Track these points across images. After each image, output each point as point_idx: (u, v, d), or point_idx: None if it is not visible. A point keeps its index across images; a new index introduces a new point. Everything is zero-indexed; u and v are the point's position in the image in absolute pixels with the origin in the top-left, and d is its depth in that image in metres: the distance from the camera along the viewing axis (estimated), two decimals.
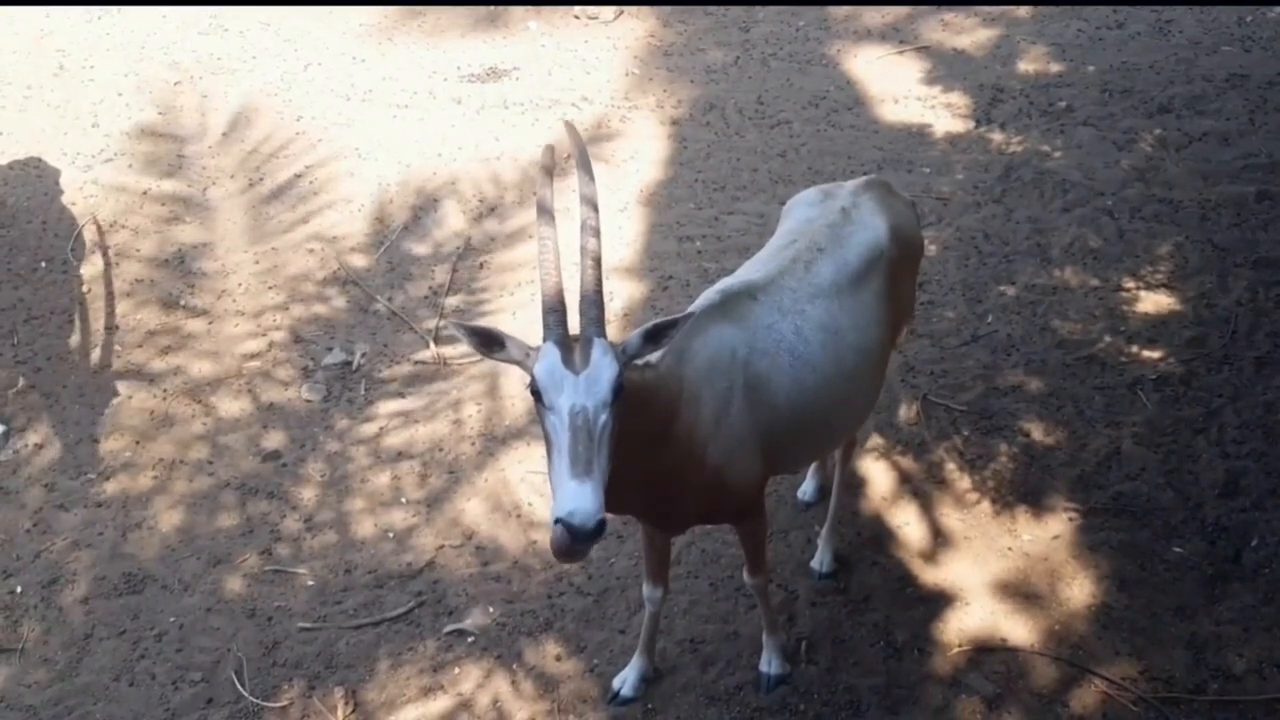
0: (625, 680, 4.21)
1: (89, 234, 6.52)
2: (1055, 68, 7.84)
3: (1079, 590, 4.51)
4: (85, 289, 6.18)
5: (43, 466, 5.28)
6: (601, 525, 2.79)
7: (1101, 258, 6.11)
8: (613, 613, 4.54)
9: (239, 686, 4.34)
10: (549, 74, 8.05)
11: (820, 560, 4.61)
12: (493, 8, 8.86)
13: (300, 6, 8.77)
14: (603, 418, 2.89)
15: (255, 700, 4.30)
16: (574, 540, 2.78)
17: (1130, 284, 5.93)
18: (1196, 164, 6.75)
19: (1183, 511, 4.78)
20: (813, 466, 4.91)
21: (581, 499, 2.78)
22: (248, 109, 7.57)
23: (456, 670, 4.37)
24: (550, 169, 3.15)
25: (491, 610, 4.58)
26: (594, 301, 2.99)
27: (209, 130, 7.40)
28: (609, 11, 8.74)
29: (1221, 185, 6.56)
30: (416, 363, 5.75)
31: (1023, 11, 8.54)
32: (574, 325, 3.00)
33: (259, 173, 7.04)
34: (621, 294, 6.08)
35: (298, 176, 7.01)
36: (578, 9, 8.77)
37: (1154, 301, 5.82)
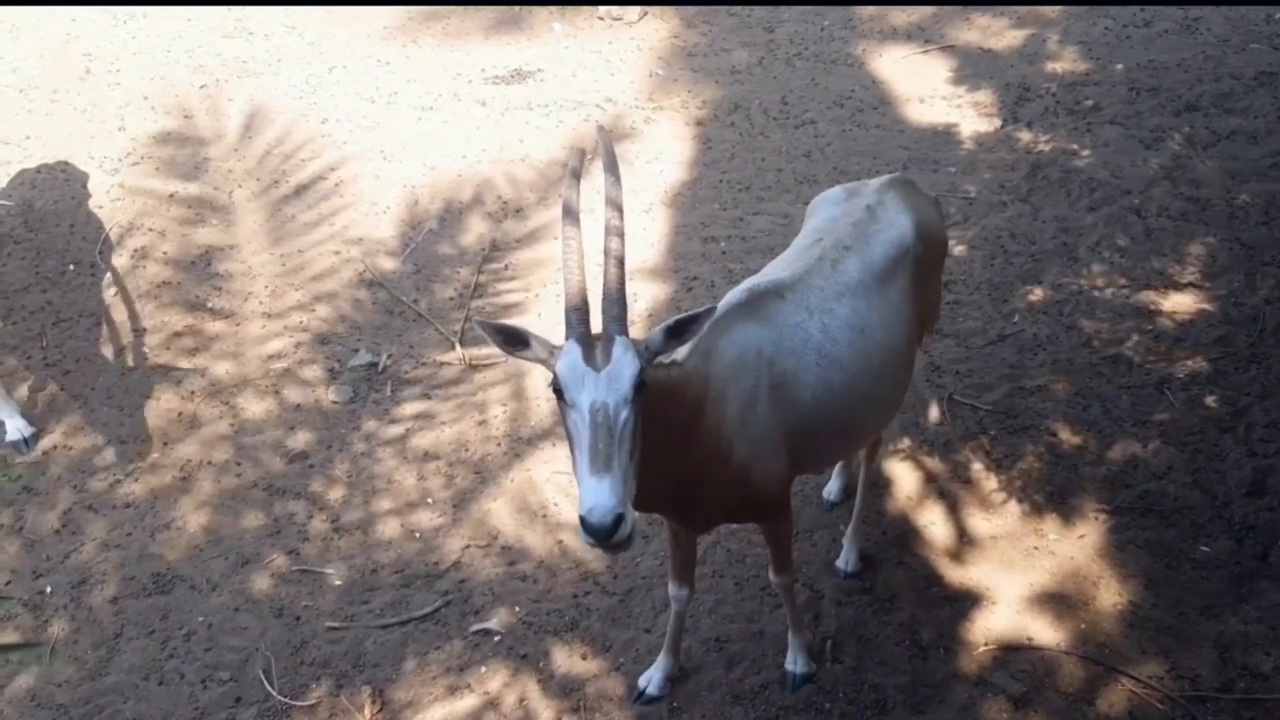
0: (651, 679, 4.21)
1: (116, 237, 6.57)
2: (1082, 66, 7.81)
3: (1106, 590, 4.48)
4: (112, 292, 6.23)
5: (71, 468, 5.32)
6: (619, 520, 2.80)
7: (1129, 257, 6.08)
8: (638, 612, 4.54)
9: (267, 685, 4.37)
10: (573, 75, 8.07)
11: (845, 559, 4.60)
12: (516, 9, 8.89)
13: (324, 7, 8.82)
14: (624, 414, 2.90)
15: (283, 699, 4.32)
16: (591, 536, 2.80)
17: (1158, 283, 5.90)
18: (1224, 162, 6.71)
19: (1210, 510, 4.75)
20: (838, 466, 4.90)
21: (599, 495, 2.80)
22: (272, 112, 7.61)
23: (483, 669, 4.38)
24: (579, 173, 3.17)
25: (517, 610, 4.59)
26: (616, 300, 3.01)
27: (234, 133, 7.44)
28: (633, 12, 8.76)
29: (1250, 183, 6.52)
30: (442, 364, 5.77)
31: (1049, 10, 8.51)
32: (598, 326, 3.01)
33: (283, 175, 7.08)
34: (646, 295, 6.08)
35: (322, 179, 7.04)
36: (601, 10, 8.79)
37: (1181, 301, 5.79)
